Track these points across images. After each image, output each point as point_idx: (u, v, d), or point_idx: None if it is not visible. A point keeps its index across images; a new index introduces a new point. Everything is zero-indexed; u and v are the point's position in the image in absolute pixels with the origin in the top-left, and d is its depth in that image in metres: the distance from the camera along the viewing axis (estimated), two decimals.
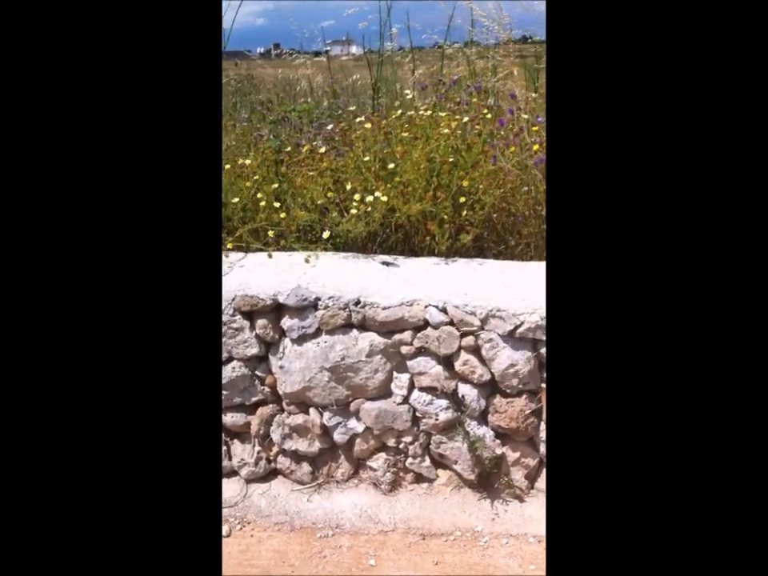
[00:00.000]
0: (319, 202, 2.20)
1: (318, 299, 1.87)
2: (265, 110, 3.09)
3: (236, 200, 2.24)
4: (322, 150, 2.40)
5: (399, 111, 2.56)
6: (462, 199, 2.13)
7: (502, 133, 2.46)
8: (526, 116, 2.59)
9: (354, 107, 2.93)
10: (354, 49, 6.62)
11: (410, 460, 1.99)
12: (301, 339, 1.91)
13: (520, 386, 1.82)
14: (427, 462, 1.99)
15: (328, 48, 5.01)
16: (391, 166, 2.21)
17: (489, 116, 2.45)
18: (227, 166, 2.34)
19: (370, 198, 2.07)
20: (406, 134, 2.33)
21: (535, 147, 2.28)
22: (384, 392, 1.93)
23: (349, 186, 2.17)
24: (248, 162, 2.33)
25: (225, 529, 1.90)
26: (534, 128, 2.45)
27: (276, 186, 2.29)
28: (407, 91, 3.02)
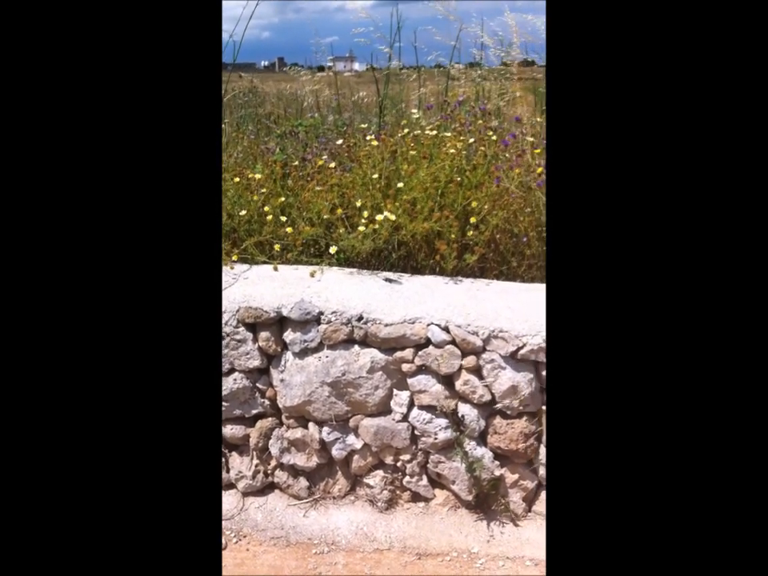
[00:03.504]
0: (325, 217, 2.21)
1: (321, 313, 1.87)
2: (272, 124, 3.11)
3: (243, 212, 2.25)
4: (330, 165, 2.42)
5: (406, 130, 2.59)
6: (473, 219, 2.15)
7: (507, 155, 2.49)
8: (531, 138, 2.63)
9: (363, 124, 2.95)
10: (356, 65, 6.69)
11: (407, 478, 1.98)
12: (303, 353, 1.91)
13: (520, 408, 1.83)
14: (424, 480, 1.99)
15: (331, 64, 5.05)
16: (400, 185, 2.23)
17: (494, 138, 2.49)
18: (236, 179, 2.36)
19: (380, 217, 2.08)
20: (413, 153, 2.36)
21: (539, 170, 2.32)
22: (384, 409, 1.93)
23: (359, 203, 2.19)
24: (257, 176, 2.35)
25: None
26: (537, 151, 2.48)
27: (283, 199, 2.31)
28: (413, 110, 3.05)
